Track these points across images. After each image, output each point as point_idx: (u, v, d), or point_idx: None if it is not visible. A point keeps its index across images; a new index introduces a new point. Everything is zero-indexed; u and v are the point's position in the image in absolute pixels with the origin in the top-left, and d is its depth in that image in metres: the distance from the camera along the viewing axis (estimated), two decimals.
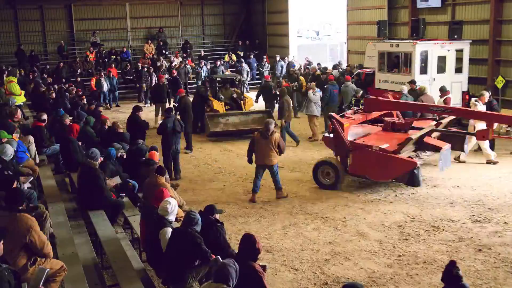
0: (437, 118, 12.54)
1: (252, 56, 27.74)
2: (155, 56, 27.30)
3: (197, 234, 6.42)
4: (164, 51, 28.23)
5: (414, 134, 11.40)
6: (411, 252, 8.46)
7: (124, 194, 9.59)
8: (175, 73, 22.37)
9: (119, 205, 9.02)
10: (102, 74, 23.18)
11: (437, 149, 11.54)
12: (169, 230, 6.76)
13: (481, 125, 12.16)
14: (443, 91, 14.06)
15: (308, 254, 8.49)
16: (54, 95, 17.03)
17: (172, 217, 7.04)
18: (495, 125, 12.08)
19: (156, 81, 21.55)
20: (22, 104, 16.19)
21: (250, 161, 11.19)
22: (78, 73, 24.86)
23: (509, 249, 8.46)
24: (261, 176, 11.06)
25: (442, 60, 16.20)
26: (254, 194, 11.04)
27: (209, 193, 11.66)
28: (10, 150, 9.27)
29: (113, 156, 10.27)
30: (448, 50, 16.20)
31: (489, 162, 12.89)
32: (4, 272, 5.17)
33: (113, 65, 25.80)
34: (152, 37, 29.22)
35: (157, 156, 10.17)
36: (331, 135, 11.80)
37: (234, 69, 26.67)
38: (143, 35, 29.94)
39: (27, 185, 8.96)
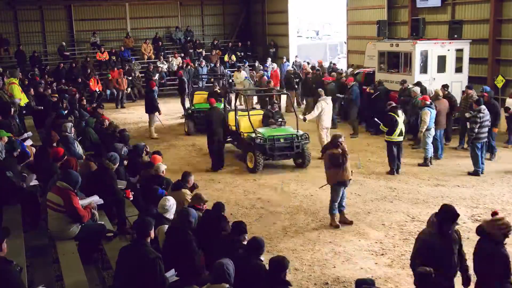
0: None
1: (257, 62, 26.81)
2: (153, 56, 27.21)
3: (190, 232, 6.37)
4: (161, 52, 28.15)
5: None
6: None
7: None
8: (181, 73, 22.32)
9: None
10: None
11: None
12: (166, 228, 6.73)
13: None
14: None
15: (308, 254, 8.50)
16: (54, 96, 16.96)
17: (170, 215, 7.03)
18: None
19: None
20: (25, 105, 16.10)
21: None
22: (88, 72, 24.91)
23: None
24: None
25: (442, 59, 16.20)
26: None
27: (209, 193, 11.65)
28: None
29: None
30: (448, 50, 16.20)
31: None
32: (16, 268, 5.29)
33: (115, 68, 25.64)
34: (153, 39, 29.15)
35: (159, 160, 9.80)
36: None
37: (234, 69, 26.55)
38: (143, 35, 29.94)
39: (33, 182, 8.92)
